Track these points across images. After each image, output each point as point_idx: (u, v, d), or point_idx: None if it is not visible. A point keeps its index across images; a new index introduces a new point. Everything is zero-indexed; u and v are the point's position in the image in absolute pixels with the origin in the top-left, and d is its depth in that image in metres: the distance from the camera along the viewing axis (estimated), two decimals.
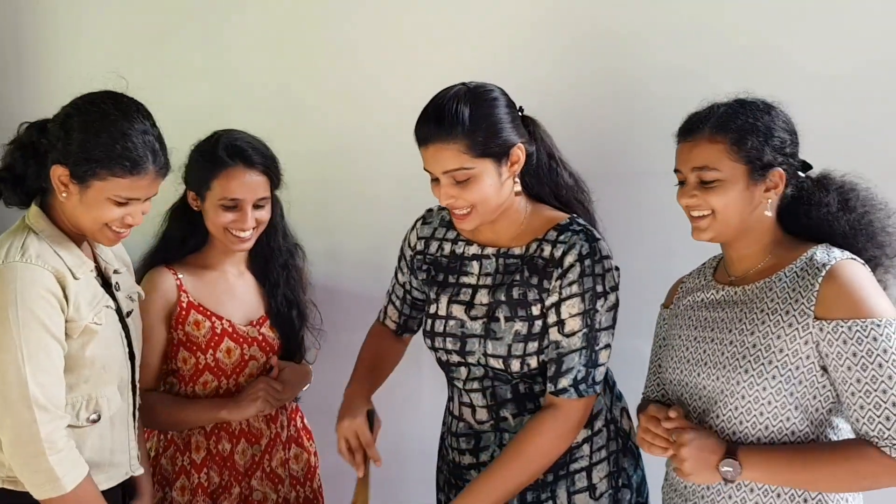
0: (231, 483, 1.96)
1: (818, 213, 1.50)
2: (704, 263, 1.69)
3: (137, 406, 1.74)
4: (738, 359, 1.46)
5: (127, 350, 1.69)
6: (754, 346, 1.45)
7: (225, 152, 1.88)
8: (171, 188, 1.92)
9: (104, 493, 1.61)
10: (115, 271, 1.72)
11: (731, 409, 1.47)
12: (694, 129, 1.51)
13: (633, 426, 1.77)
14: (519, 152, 1.61)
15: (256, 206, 1.90)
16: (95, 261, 1.68)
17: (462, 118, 1.54)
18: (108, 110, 1.55)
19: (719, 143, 1.47)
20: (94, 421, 1.61)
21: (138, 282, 1.88)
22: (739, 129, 1.47)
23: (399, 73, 2.26)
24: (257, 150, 1.91)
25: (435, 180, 1.61)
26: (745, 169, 1.47)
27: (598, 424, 1.70)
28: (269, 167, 1.92)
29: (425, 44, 2.24)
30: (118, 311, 1.68)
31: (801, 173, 1.53)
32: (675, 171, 1.55)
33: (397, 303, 1.89)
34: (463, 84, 1.61)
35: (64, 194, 1.55)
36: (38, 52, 2.52)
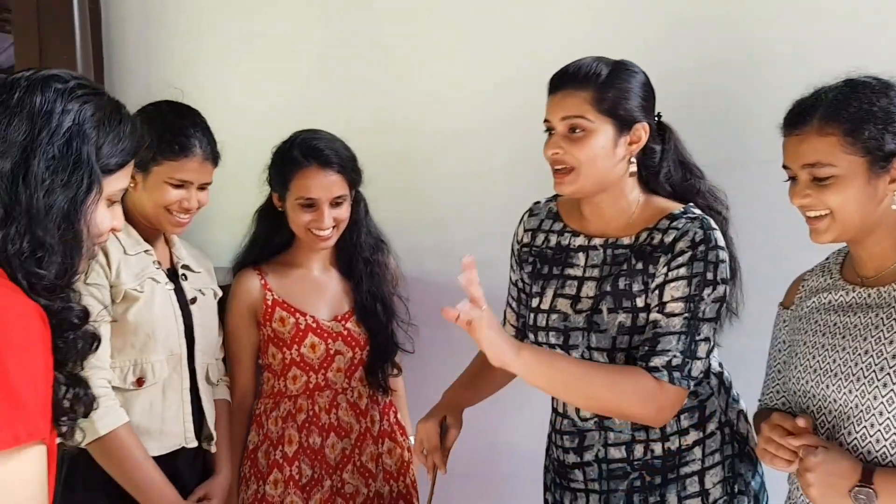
0: (322, 476, 1.97)
1: None
2: (828, 258, 1.52)
3: (198, 384, 1.85)
4: (875, 371, 1.30)
5: (184, 329, 1.82)
6: (894, 356, 1.29)
7: (300, 153, 1.92)
8: (258, 191, 2.04)
9: (159, 459, 1.74)
10: (186, 266, 1.90)
11: (866, 427, 1.31)
12: (800, 120, 1.34)
13: (750, 429, 1.66)
14: (642, 132, 1.55)
15: (334, 205, 1.92)
16: (170, 255, 1.89)
17: (599, 73, 1.53)
18: (162, 108, 1.84)
19: (831, 136, 1.31)
20: (140, 385, 1.73)
21: (229, 284, 2.02)
22: (853, 118, 1.30)
23: (498, 64, 2.22)
24: (333, 149, 1.94)
25: (549, 132, 1.56)
26: (863, 161, 1.30)
27: (712, 427, 1.60)
28: (345, 166, 1.95)
29: (513, 30, 2.18)
30: (179, 294, 1.84)
31: None
32: (784, 167, 1.39)
33: (514, 304, 1.82)
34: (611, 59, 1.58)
35: (131, 185, 1.74)
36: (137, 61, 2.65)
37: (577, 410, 1.64)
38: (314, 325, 1.98)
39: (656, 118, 1.62)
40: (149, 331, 1.74)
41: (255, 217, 2.06)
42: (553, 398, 1.72)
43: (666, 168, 1.62)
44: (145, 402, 1.75)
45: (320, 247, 1.98)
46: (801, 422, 1.33)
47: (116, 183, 1.14)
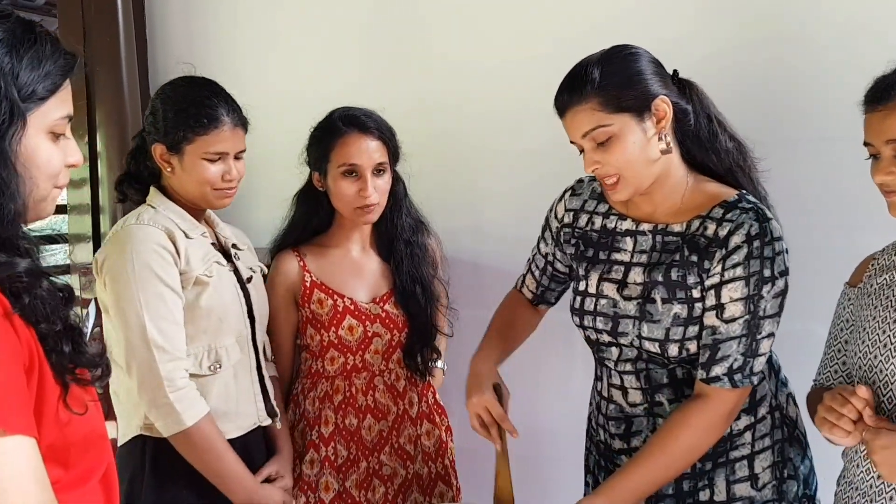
0: (359, 457, 1.97)
1: None
2: None
3: (262, 362, 1.86)
4: None
5: (246, 309, 1.81)
6: None
7: (340, 121, 1.93)
8: (295, 175, 2.03)
9: (235, 440, 1.75)
10: (234, 245, 1.88)
11: None
12: (884, 95, 1.32)
13: (799, 413, 1.63)
14: (664, 105, 1.47)
15: (376, 173, 1.92)
16: (216, 236, 1.86)
17: (592, 77, 1.46)
18: (179, 85, 1.80)
19: None
20: (216, 370, 1.73)
21: (268, 265, 2.01)
22: None
23: (539, 40, 2.19)
24: (371, 117, 1.95)
25: (581, 151, 1.52)
26: None
27: (763, 411, 1.57)
28: (385, 134, 1.95)
29: (557, 5, 2.16)
30: (236, 274, 1.83)
31: None
32: (865, 143, 1.36)
33: (536, 273, 1.80)
34: (602, 50, 1.52)
35: (169, 169, 1.76)
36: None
37: (625, 396, 1.61)
38: (352, 308, 1.97)
39: (673, 77, 1.55)
40: (220, 314, 1.74)
41: (295, 199, 2.06)
42: (595, 381, 1.70)
43: (702, 126, 1.56)
44: (221, 385, 1.75)
45: (364, 220, 1.96)
46: (861, 391, 1.31)
47: (54, 112, 1.02)
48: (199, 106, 1.73)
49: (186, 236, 1.73)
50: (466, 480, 2.09)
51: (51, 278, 1.03)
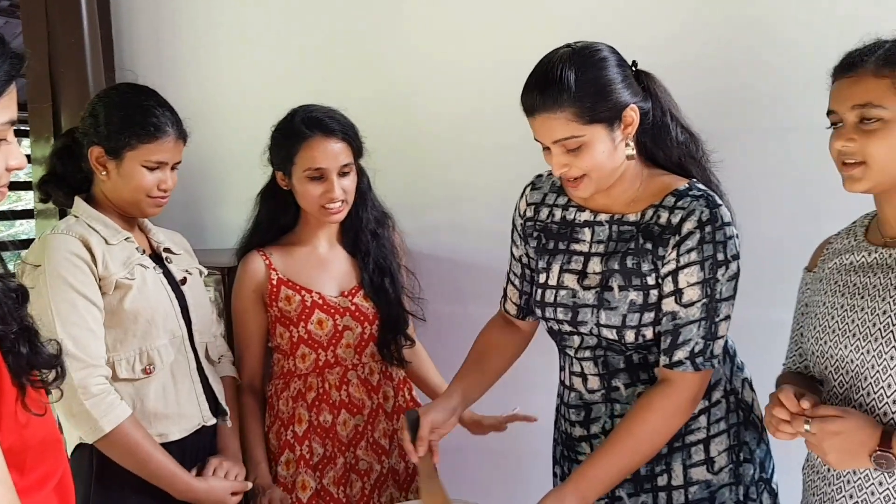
0: (335, 454, 1.97)
1: None
2: (855, 222, 1.50)
3: (201, 362, 1.86)
4: (893, 331, 1.29)
5: (179, 310, 1.82)
6: None
7: (303, 124, 1.92)
8: (258, 173, 2.03)
9: (180, 441, 1.77)
10: (168, 249, 1.89)
11: (883, 387, 1.30)
12: (856, 63, 1.33)
13: (755, 398, 1.66)
14: (632, 114, 1.50)
15: (342, 174, 1.92)
16: (149, 241, 1.88)
17: (568, 84, 1.45)
18: (125, 91, 1.83)
19: (886, 78, 1.29)
20: (150, 371, 1.74)
21: (234, 266, 2.04)
22: None
23: (514, 35, 2.20)
24: (334, 118, 1.95)
25: (546, 149, 1.53)
26: None
27: (717, 395, 1.59)
28: (349, 134, 1.95)
29: (532, 4, 2.17)
30: (168, 277, 1.84)
31: None
32: (829, 112, 1.37)
33: (516, 281, 1.78)
34: (568, 46, 1.51)
35: (104, 173, 1.76)
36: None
37: (585, 382, 1.64)
38: (320, 302, 1.97)
39: (633, 68, 1.56)
40: (148, 317, 1.74)
41: (258, 198, 2.05)
42: (560, 371, 1.72)
43: (656, 119, 1.57)
44: (158, 387, 1.76)
45: (331, 220, 1.97)
46: (805, 403, 1.32)
47: None
48: (147, 114, 1.75)
49: (107, 242, 1.74)
50: (447, 476, 2.09)
51: (3, 279, 1.03)
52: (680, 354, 1.51)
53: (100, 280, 1.70)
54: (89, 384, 1.64)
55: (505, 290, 1.82)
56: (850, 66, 1.34)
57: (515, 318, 1.80)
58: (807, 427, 1.30)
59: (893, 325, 1.30)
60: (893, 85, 1.29)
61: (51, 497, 1.07)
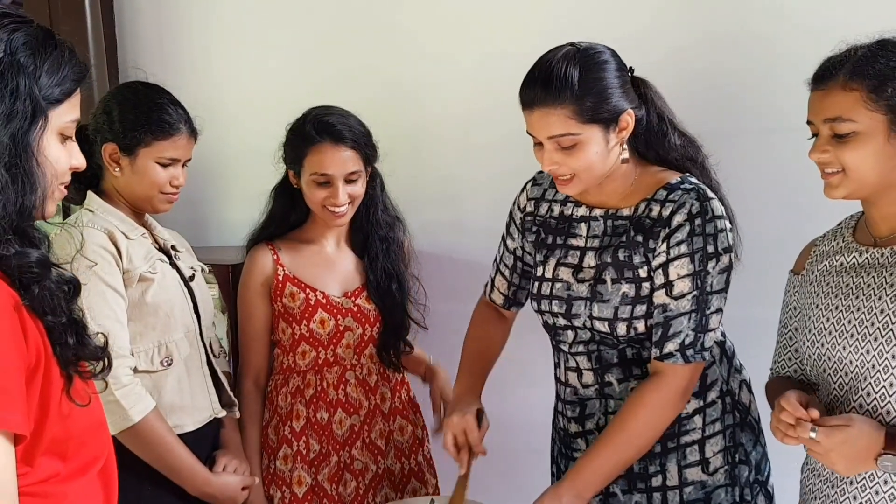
0: (330, 451, 1.98)
1: None
2: (841, 223, 1.52)
3: (211, 357, 1.89)
4: (892, 329, 1.31)
5: (192, 305, 1.85)
6: None
7: (313, 129, 1.92)
8: (269, 174, 2.03)
9: (192, 433, 1.79)
10: (174, 247, 1.91)
11: (884, 386, 1.31)
12: (827, 75, 1.34)
13: (753, 400, 1.67)
14: (628, 119, 1.52)
15: (348, 181, 1.93)
16: (154, 238, 1.87)
17: (571, 81, 1.47)
18: (138, 89, 1.84)
19: (855, 91, 1.30)
20: (168, 364, 1.76)
21: (238, 265, 2.06)
22: (878, 75, 1.29)
23: (514, 32, 2.20)
24: (346, 125, 1.94)
25: (538, 144, 1.55)
26: (884, 119, 1.29)
27: (712, 395, 1.61)
28: (359, 141, 1.94)
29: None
30: (179, 273, 1.85)
31: None
32: (808, 122, 1.39)
33: (506, 272, 1.81)
34: (572, 45, 1.53)
35: (117, 170, 1.78)
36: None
37: (580, 377, 1.65)
38: (324, 301, 1.98)
39: (629, 74, 1.57)
40: (167, 310, 1.77)
41: (272, 194, 2.06)
42: (556, 367, 1.73)
43: (652, 124, 1.60)
44: (174, 380, 1.78)
45: (335, 223, 1.98)
46: (814, 413, 1.32)
47: (65, 115, 1.07)
48: (161, 112, 1.77)
49: (126, 237, 1.76)
50: (445, 477, 2.10)
51: (59, 270, 1.07)
52: (670, 346, 1.52)
53: (124, 273, 1.72)
54: (119, 374, 1.66)
55: (492, 279, 1.84)
56: (821, 79, 1.35)
57: (501, 307, 1.84)
58: (812, 434, 1.30)
59: (892, 324, 1.31)
60: (862, 98, 1.30)
61: (94, 481, 1.09)
